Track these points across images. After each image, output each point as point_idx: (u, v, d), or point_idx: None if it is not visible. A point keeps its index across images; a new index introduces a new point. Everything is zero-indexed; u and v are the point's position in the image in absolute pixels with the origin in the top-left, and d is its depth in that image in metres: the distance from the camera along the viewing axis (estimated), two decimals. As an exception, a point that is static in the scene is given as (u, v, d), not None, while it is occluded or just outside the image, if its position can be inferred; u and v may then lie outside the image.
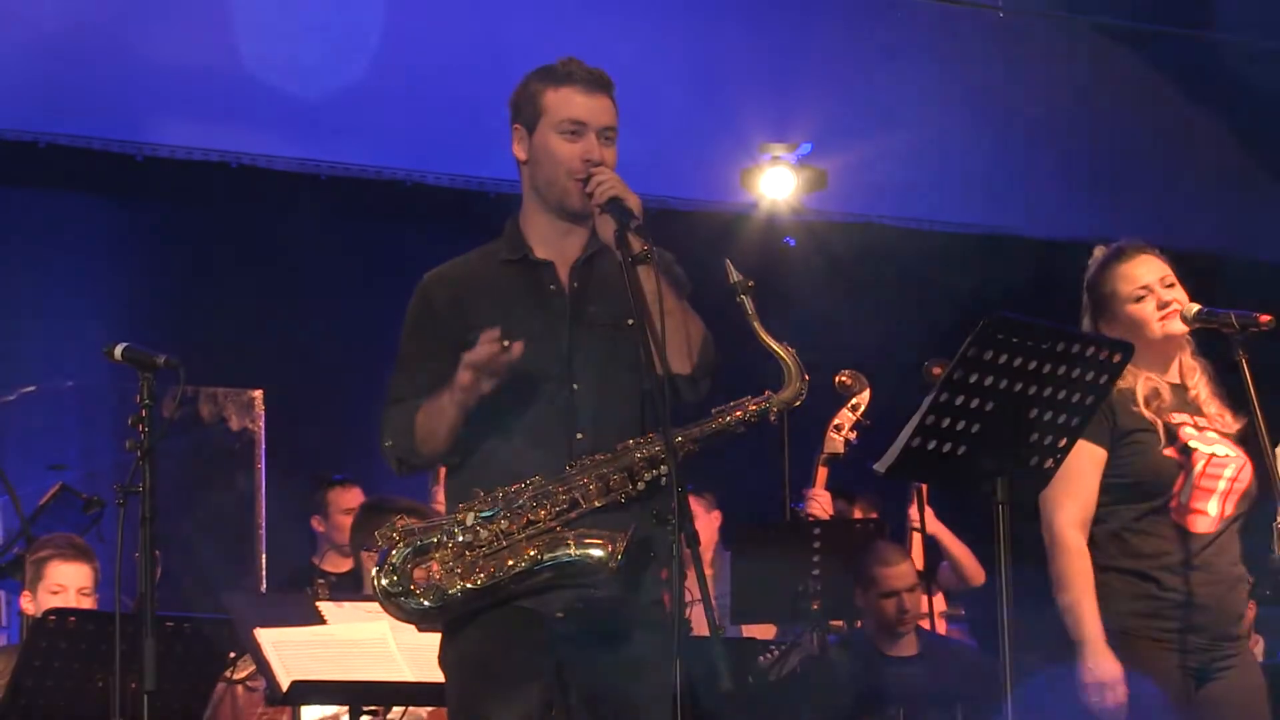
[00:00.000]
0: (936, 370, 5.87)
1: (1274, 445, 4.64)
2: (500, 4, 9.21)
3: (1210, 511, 4.57)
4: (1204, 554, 4.54)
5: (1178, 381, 4.67)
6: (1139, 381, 4.58)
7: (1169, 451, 4.55)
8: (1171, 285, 4.66)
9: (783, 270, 9.16)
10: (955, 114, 10.06)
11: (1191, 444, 4.57)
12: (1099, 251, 4.78)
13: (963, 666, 6.39)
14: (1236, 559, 4.63)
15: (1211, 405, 4.67)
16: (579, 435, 3.86)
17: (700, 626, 4.68)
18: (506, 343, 3.80)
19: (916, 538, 7.23)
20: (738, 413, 3.87)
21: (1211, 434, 4.62)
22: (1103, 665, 4.44)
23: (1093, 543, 4.56)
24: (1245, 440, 4.63)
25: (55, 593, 5.73)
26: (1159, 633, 4.51)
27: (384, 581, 3.83)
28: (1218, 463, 4.58)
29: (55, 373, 8.29)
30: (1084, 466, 4.48)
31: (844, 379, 7.25)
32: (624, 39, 9.07)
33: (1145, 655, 4.51)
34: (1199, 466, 4.55)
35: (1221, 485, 4.57)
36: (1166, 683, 4.47)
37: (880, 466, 3.97)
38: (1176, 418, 4.58)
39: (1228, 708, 4.56)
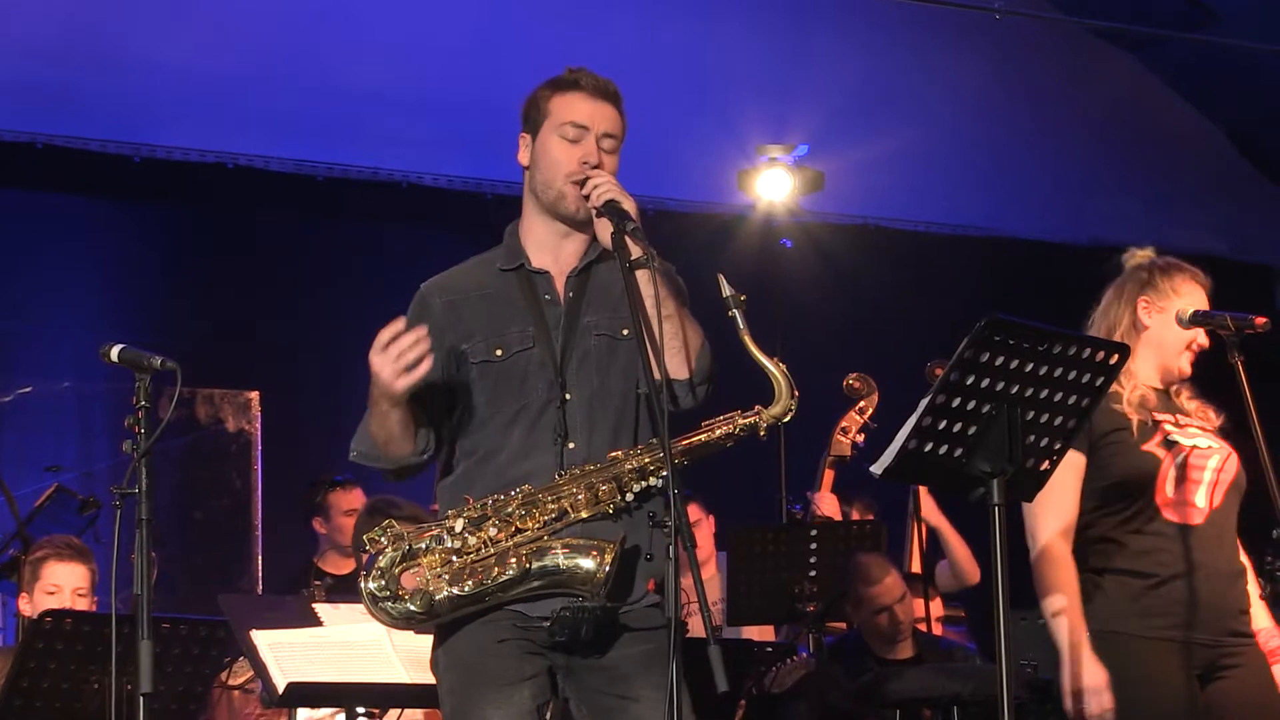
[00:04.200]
0: (939, 371, 5.86)
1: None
2: (497, 6, 9.22)
3: (1199, 504, 4.53)
4: (1197, 548, 4.49)
5: (1161, 387, 4.67)
6: (1133, 387, 4.57)
7: (1147, 447, 4.52)
8: None
9: (779, 272, 9.16)
10: (952, 116, 10.06)
11: (1173, 437, 4.55)
12: (1142, 255, 4.75)
13: (960, 668, 6.38)
14: (1234, 554, 4.58)
15: (1192, 404, 4.68)
16: (571, 445, 3.86)
17: (697, 631, 4.68)
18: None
19: (916, 535, 7.22)
20: (726, 427, 3.84)
21: (1193, 429, 4.61)
22: (1088, 671, 4.36)
23: (1085, 546, 4.51)
24: (1228, 435, 4.62)
25: (51, 593, 5.73)
26: (1156, 631, 4.44)
27: (371, 586, 3.82)
28: (1200, 454, 4.55)
29: (51, 374, 8.29)
30: (1064, 474, 4.40)
31: (853, 382, 7.24)
32: (620, 40, 9.07)
33: (1144, 656, 4.43)
34: (1181, 459, 4.53)
35: (1207, 476, 4.55)
36: (1168, 684, 4.40)
37: (876, 469, 3.97)
38: (1158, 416, 4.58)
39: (1236, 707, 4.48)
